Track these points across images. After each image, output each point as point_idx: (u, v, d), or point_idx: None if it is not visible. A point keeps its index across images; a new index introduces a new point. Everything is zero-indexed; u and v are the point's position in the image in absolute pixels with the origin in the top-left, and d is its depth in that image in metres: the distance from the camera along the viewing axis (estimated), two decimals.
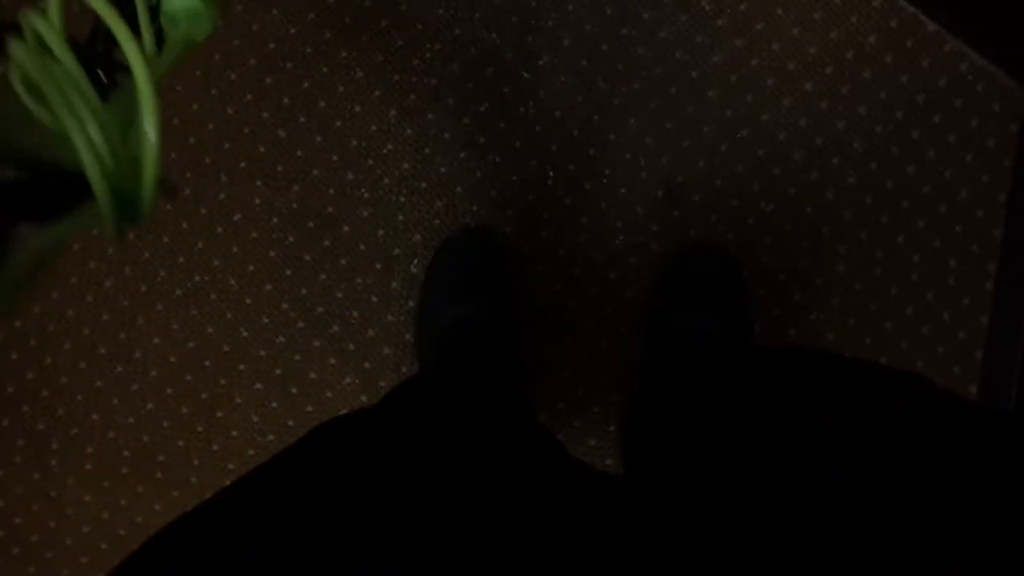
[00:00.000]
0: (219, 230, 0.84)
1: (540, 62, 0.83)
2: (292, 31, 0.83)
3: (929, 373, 0.83)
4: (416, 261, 0.85)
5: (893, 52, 0.82)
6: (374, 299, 0.85)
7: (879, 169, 0.83)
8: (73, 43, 0.26)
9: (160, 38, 0.31)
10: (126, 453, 0.86)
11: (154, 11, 0.31)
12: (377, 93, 0.83)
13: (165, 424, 0.86)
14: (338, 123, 0.84)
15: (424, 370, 0.81)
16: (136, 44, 0.25)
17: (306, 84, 0.83)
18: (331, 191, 0.84)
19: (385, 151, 0.84)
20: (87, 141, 0.24)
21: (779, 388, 0.53)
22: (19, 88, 0.26)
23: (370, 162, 0.84)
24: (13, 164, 0.25)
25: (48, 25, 0.26)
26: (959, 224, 0.83)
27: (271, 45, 0.83)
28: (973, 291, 0.83)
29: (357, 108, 0.84)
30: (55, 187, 0.26)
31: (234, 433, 0.86)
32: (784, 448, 0.44)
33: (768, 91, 0.83)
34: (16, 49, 0.25)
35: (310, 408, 0.85)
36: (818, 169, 0.83)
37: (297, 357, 0.85)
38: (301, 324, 0.85)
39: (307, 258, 0.85)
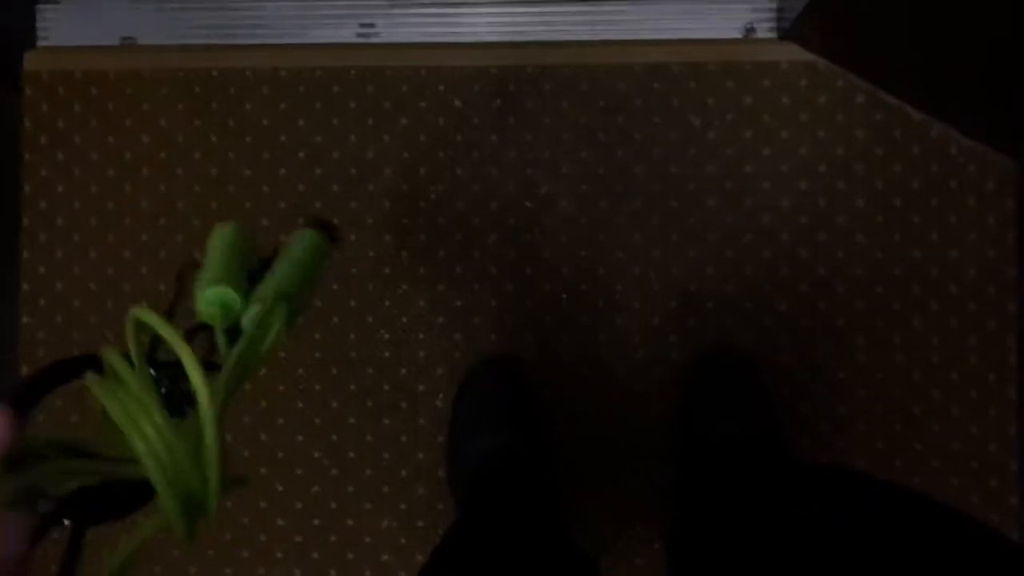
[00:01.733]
0: (246, 386, 0.86)
1: (541, 191, 0.86)
2: (301, 188, 0.86)
3: (966, 447, 0.82)
4: (441, 395, 0.86)
5: (883, 144, 0.84)
6: (403, 438, 0.86)
7: (885, 257, 0.84)
8: (148, 372, 0.29)
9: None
10: None
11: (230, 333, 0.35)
12: (388, 238, 0.86)
13: None
14: (353, 270, 0.86)
15: (460, 510, 0.81)
16: (201, 375, 0.28)
17: None
18: (352, 336, 0.86)
19: (400, 291, 0.86)
20: (154, 457, 0.26)
21: (814, 505, 0.54)
22: (100, 415, 0.29)
23: (387, 303, 0.86)
24: (80, 479, 0.27)
25: (118, 359, 0.28)
26: (972, 302, 0.84)
27: (281, 204, 0.86)
28: (997, 367, 0.83)
29: (370, 254, 0.86)
30: (122, 493, 0.27)
31: None
32: (820, 564, 0.44)
33: (765, 194, 0.85)
34: (90, 380, 0.28)
35: (351, 555, 0.85)
36: (825, 264, 0.84)
37: (333, 505, 0.85)
38: (335, 471, 0.86)
39: (334, 405, 0.86)
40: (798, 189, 0.85)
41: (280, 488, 0.86)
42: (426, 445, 0.86)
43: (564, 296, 0.86)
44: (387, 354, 0.86)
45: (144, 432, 0.27)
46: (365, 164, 0.86)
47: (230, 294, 0.37)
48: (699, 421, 0.81)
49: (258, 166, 0.87)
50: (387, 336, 0.86)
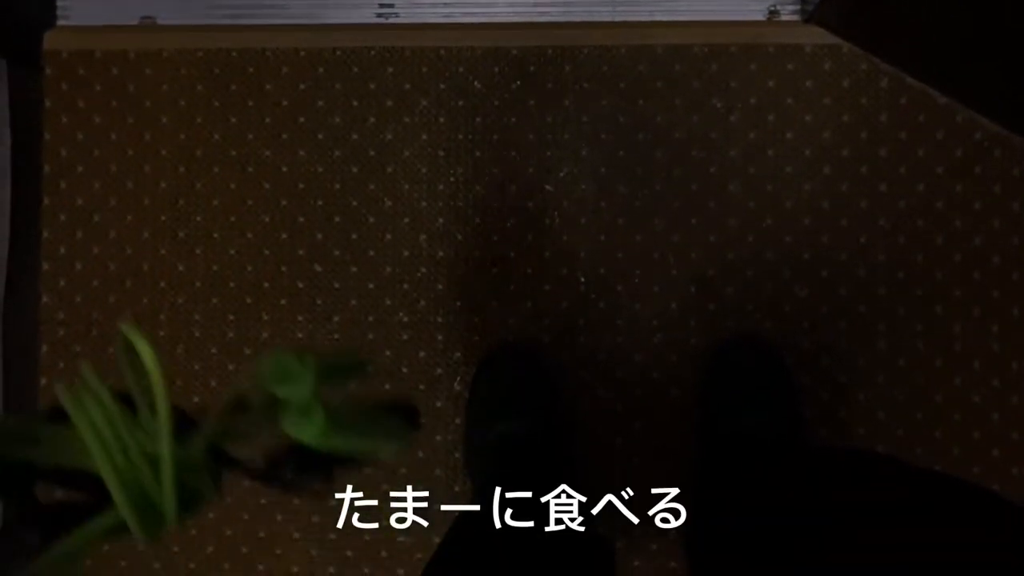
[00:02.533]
0: None
1: (561, 174, 0.85)
2: (320, 170, 0.86)
3: (986, 442, 0.82)
4: (459, 379, 0.86)
5: (907, 128, 0.83)
6: (421, 421, 0.86)
7: (908, 243, 0.83)
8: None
9: None
10: None
11: None
12: (407, 220, 0.86)
13: None
14: (371, 252, 0.86)
15: (477, 492, 0.81)
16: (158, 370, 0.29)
17: (337, 219, 0.86)
18: (370, 318, 0.86)
19: (419, 274, 0.86)
20: (104, 454, 0.28)
21: (837, 492, 0.54)
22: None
23: (406, 286, 0.86)
24: (55, 482, 0.29)
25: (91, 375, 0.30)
26: (995, 289, 0.83)
27: (300, 185, 0.86)
28: (1019, 355, 0.83)
29: (388, 236, 0.86)
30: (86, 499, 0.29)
31: None
32: (846, 552, 0.44)
33: (788, 179, 0.84)
34: (59, 390, 0.29)
35: (367, 536, 0.85)
36: (847, 249, 0.84)
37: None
38: None
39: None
40: (821, 173, 0.84)
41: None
42: (443, 427, 0.86)
43: (582, 280, 0.86)
44: (405, 337, 0.86)
45: (102, 435, 0.28)
46: (384, 146, 0.86)
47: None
48: (718, 411, 0.81)
49: (277, 147, 0.86)
50: (405, 319, 0.86)
